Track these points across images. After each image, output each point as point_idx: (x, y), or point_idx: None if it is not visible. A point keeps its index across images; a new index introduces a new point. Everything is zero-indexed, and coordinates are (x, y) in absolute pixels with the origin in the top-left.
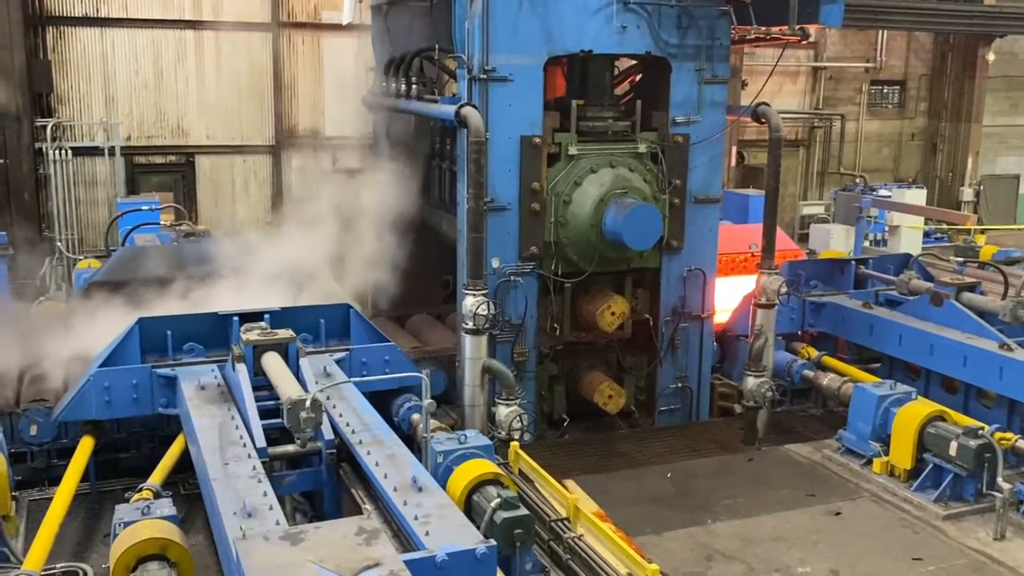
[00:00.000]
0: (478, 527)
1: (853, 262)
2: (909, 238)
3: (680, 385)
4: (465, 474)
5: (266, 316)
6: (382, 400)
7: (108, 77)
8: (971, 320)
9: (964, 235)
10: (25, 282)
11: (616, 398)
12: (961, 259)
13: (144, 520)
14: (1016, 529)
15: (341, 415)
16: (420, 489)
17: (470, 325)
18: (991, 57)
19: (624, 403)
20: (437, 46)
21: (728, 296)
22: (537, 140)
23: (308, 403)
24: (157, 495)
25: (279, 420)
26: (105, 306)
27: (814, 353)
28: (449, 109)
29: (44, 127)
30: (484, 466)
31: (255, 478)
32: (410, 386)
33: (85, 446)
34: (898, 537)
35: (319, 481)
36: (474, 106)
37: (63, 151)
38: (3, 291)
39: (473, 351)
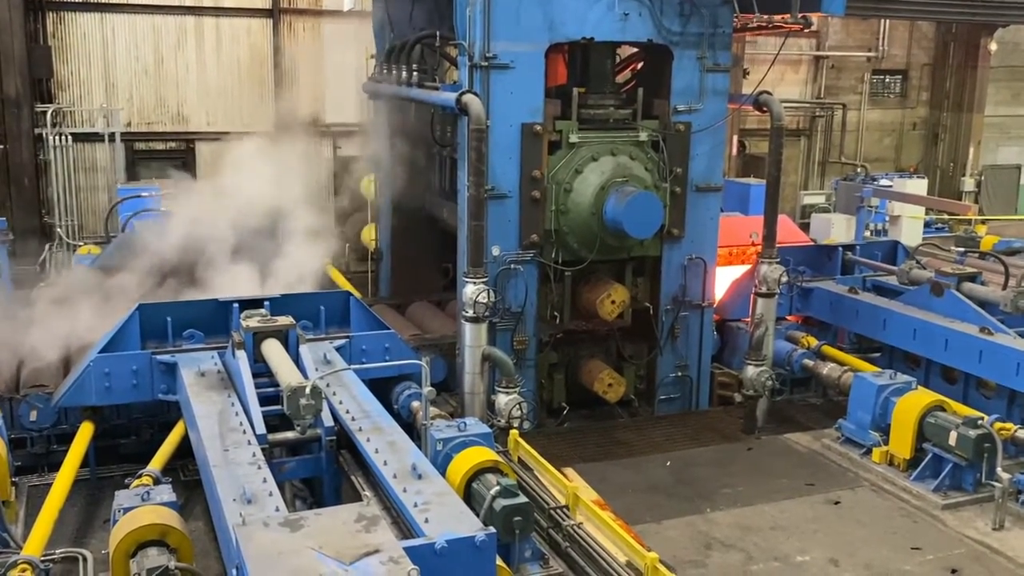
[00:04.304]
0: (477, 514)
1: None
2: (910, 228)
3: (680, 374)
4: (465, 462)
5: (266, 303)
6: (382, 387)
7: (108, 63)
8: (972, 310)
9: (965, 225)
10: (25, 268)
11: (616, 386)
12: (962, 249)
13: (144, 506)
14: (1015, 519)
15: (341, 402)
16: (420, 476)
17: (470, 313)
18: (993, 47)
19: (624, 392)
20: (438, 33)
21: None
22: (538, 128)
23: (308, 390)
24: (157, 481)
25: (279, 407)
26: None
27: (814, 342)
28: (450, 96)
29: (44, 113)
30: (483, 454)
31: (255, 464)
32: (410, 373)
33: (85, 432)
34: (897, 526)
35: (319, 468)
36: (475, 93)
37: (63, 137)
38: (4, 277)
39: (473, 339)
